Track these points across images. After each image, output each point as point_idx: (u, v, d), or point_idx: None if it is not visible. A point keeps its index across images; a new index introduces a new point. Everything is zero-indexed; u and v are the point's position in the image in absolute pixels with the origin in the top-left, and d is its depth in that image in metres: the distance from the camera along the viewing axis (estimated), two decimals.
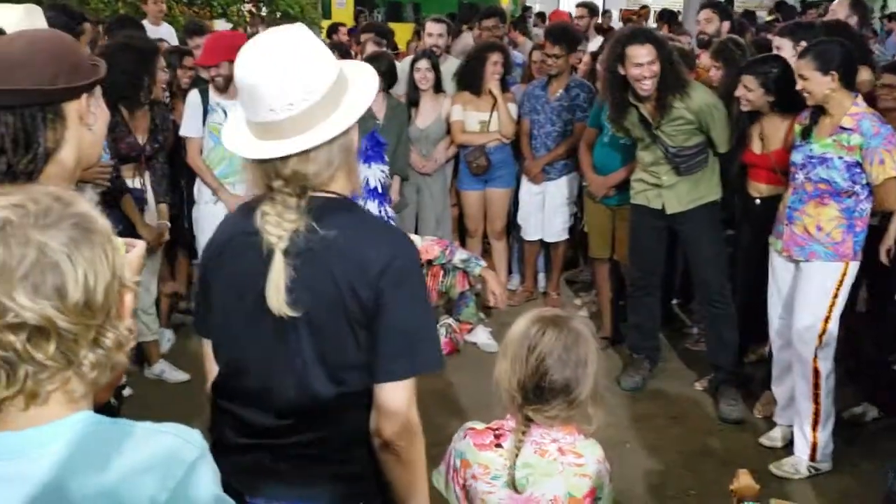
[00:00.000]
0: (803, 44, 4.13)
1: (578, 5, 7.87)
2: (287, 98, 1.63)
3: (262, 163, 1.70)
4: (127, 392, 4.37)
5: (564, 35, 5.56)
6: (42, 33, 1.89)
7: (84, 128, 1.82)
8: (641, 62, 4.17)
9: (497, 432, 2.02)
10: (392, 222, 4.93)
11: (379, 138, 5.07)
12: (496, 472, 1.99)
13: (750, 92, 4.13)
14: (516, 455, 1.97)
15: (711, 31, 5.93)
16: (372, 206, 4.89)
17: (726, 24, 6.05)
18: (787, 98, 4.01)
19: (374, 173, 4.97)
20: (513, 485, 1.96)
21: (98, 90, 1.87)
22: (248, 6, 12.50)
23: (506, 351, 2.01)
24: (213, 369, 1.93)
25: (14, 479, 1.05)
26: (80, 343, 1.08)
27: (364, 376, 1.74)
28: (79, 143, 1.82)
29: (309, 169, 1.68)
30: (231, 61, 4.85)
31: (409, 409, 1.75)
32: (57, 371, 1.07)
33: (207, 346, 1.93)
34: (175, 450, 1.12)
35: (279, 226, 1.67)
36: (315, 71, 1.66)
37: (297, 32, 1.70)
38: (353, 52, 6.89)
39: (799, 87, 3.72)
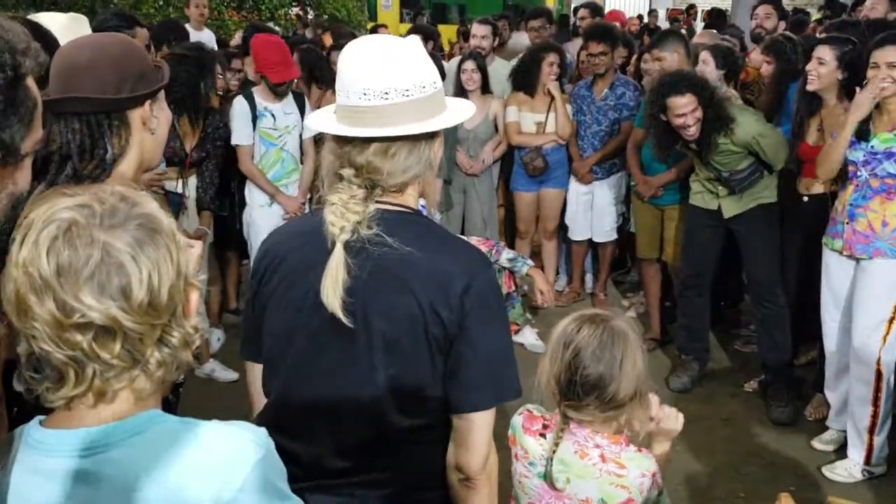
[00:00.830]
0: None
1: (583, 6, 7.69)
2: (385, 86, 1.57)
3: (339, 146, 1.62)
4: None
5: (606, 33, 5.54)
6: (109, 39, 1.94)
7: (147, 132, 1.87)
8: (684, 112, 4.18)
9: (546, 423, 2.05)
10: (435, 216, 4.93)
11: None
12: (533, 459, 2.03)
13: (822, 66, 4.00)
14: (554, 451, 1.98)
15: (769, 27, 5.83)
16: None
17: (783, 23, 5.95)
18: (857, 82, 3.83)
19: None
20: (549, 478, 1.98)
21: (161, 94, 1.92)
22: (295, 10, 12.63)
23: (547, 350, 2.03)
24: (259, 399, 1.82)
25: (83, 474, 1.07)
26: (146, 342, 1.09)
27: (438, 407, 1.62)
28: (141, 147, 1.88)
29: (384, 165, 1.59)
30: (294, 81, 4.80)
31: (490, 441, 1.65)
32: (124, 370, 1.09)
33: (253, 371, 1.84)
34: (240, 448, 1.13)
35: (343, 216, 1.58)
36: (418, 74, 1.60)
37: (411, 39, 1.69)
38: None
39: (881, 75, 3.55)
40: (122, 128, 1.83)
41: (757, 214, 4.41)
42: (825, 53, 3.99)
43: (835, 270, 3.91)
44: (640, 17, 14.08)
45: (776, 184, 4.44)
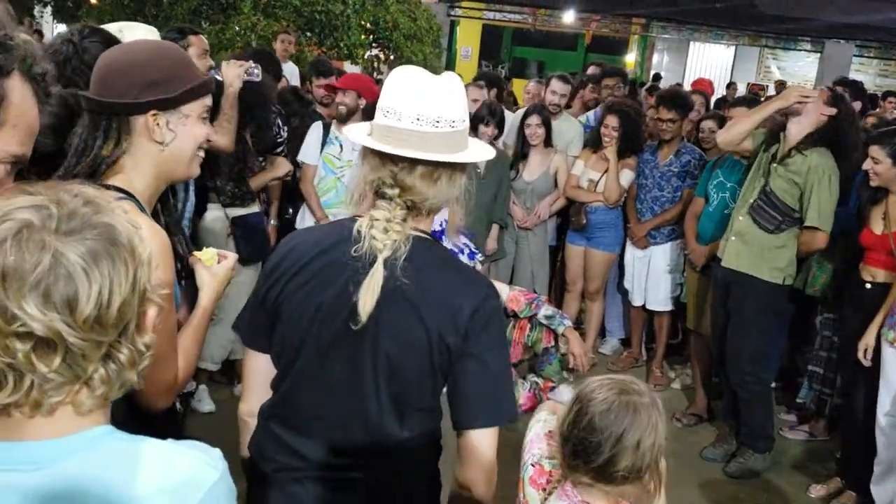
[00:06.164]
0: None
1: (609, 74, 7.50)
2: (437, 115, 1.65)
3: (383, 165, 1.68)
4: (208, 408, 4.47)
5: (678, 101, 5.47)
6: (139, 45, 1.91)
7: (154, 144, 1.80)
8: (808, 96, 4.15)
9: (550, 478, 1.97)
10: (477, 257, 4.91)
11: None
12: None
13: (878, 164, 3.95)
14: (545, 500, 1.92)
15: None
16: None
17: (857, 104, 5.80)
18: None
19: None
20: None
21: (191, 109, 1.84)
22: (374, 51, 12.90)
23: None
24: (256, 386, 1.87)
25: (25, 490, 1.01)
26: (90, 358, 1.02)
27: (433, 420, 1.74)
28: (151, 158, 1.82)
29: (429, 191, 1.68)
30: (359, 94, 5.04)
31: (494, 455, 1.72)
32: (63, 384, 1.02)
33: (256, 359, 1.86)
34: (195, 472, 1.08)
35: (387, 234, 1.66)
36: (462, 109, 1.71)
37: (455, 77, 1.76)
38: None
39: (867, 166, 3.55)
40: (122, 133, 1.78)
41: (751, 287, 4.25)
42: (877, 153, 3.97)
43: (891, 365, 3.74)
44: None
45: (786, 268, 4.25)
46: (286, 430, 1.78)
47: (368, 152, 1.71)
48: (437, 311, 1.65)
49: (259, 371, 1.85)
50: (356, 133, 1.74)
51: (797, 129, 4.10)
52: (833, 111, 4.06)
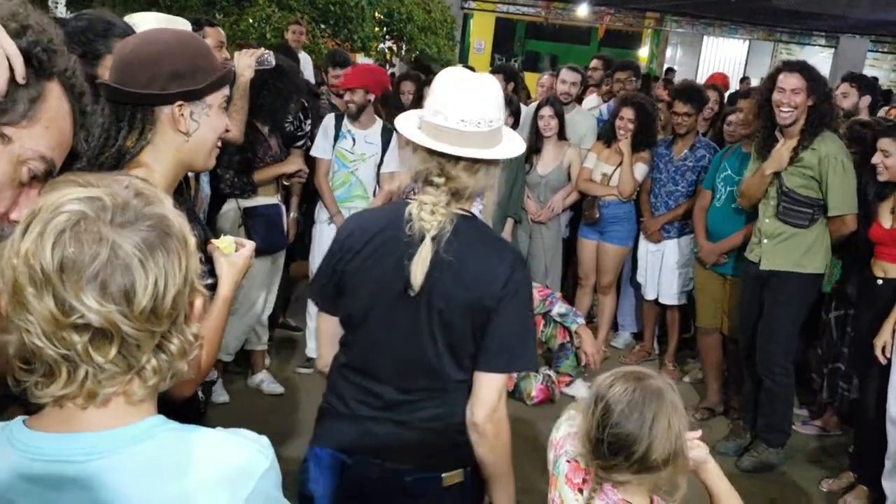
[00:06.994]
0: None
1: (596, 57, 7.59)
2: (479, 117, 1.96)
3: (430, 157, 1.99)
4: (223, 399, 4.52)
5: (693, 94, 5.47)
6: (161, 35, 1.88)
7: (178, 134, 1.81)
8: (788, 87, 4.12)
9: (586, 478, 1.96)
10: None
11: None
12: None
13: (888, 157, 3.96)
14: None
15: (848, 105, 5.66)
16: None
17: (866, 99, 5.77)
18: None
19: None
20: None
21: (214, 99, 1.85)
22: (388, 44, 12.89)
23: (583, 405, 1.96)
24: (328, 343, 2.23)
25: (78, 482, 1.02)
26: (143, 349, 1.04)
27: None
28: (174, 148, 1.82)
29: (469, 181, 2.00)
30: (367, 90, 5.01)
31: (499, 398, 2.03)
32: (117, 374, 1.04)
33: (327, 321, 2.22)
34: (247, 460, 1.10)
35: (433, 215, 1.98)
36: (500, 109, 2.03)
37: (494, 79, 2.09)
38: None
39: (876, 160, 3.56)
40: (147, 124, 1.79)
41: (792, 281, 4.25)
42: (888, 145, 3.97)
43: None
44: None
45: (822, 257, 4.26)
46: (362, 377, 2.11)
47: (419, 145, 2.00)
48: (476, 278, 1.99)
49: (330, 331, 2.22)
50: (408, 128, 2.05)
51: (795, 125, 4.15)
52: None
